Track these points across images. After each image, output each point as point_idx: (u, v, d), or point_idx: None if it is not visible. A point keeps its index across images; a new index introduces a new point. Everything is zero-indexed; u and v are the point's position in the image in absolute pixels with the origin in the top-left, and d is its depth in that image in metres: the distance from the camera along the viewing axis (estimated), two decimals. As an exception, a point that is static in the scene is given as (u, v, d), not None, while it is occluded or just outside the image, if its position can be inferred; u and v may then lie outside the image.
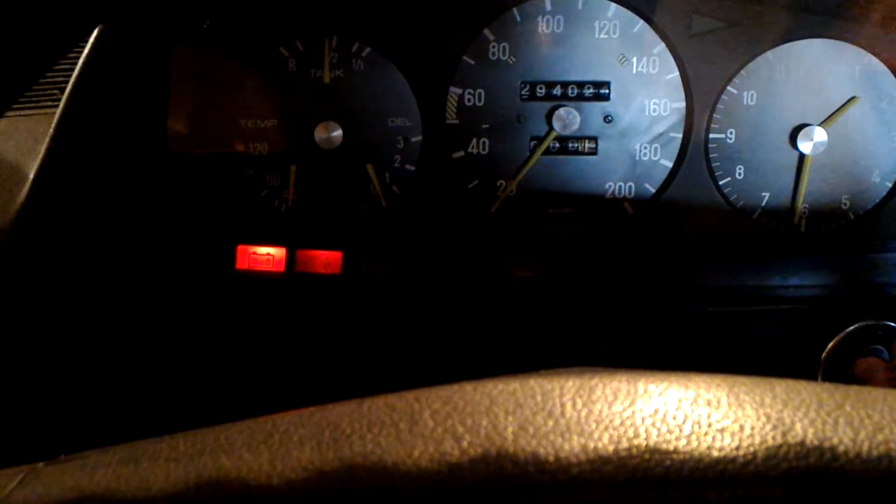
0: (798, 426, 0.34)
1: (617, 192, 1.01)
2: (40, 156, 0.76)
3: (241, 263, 0.99)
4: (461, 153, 1.01)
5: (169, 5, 0.95)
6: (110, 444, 0.41)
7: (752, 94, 0.98)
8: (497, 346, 0.97)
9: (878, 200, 1.00)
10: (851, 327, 0.93)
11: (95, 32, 0.81)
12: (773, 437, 0.33)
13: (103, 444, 0.41)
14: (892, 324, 0.92)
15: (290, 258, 0.98)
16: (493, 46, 0.98)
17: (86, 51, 0.82)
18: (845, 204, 1.00)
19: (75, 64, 0.82)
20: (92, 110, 0.83)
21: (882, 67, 0.97)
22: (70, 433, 0.81)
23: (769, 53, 0.97)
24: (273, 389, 0.97)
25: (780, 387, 0.37)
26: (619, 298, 0.98)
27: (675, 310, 0.96)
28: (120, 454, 0.39)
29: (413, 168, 1.02)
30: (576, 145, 1.00)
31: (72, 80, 0.80)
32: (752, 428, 0.34)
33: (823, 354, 0.92)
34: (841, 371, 0.92)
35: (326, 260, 0.98)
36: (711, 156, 1.00)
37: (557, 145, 1.00)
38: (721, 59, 0.97)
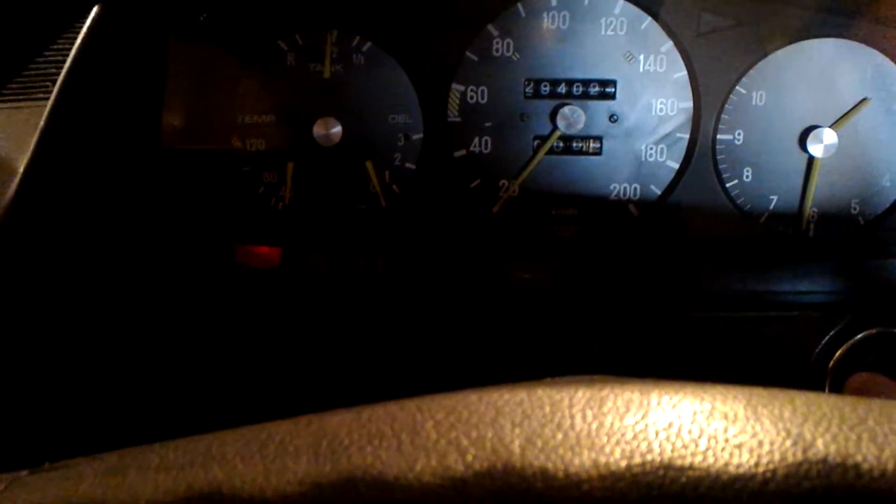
0: (819, 442, 0.32)
1: (622, 193, 1.00)
2: (30, 150, 0.75)
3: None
4: (463, 152, 0.99)
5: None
6: (99, 450, 0.39)
7: (762, 95, 0.96)
8: (498, 350, 0.96)
9: (888, 205, 0.99)
10: (860, 335, 0.91)
11: (88, 23, 0.80)
12: (794, 454, 0.32)
13: (91, 451, 0.40)
14: (902, 331, 0.91)
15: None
16: (497, 42, 0.97)
17: (78, 42, 0.81)
18: (855, 208, 0.99)
19: (67, 56, 0.80)
20: (84, 103, 0.81)
21: (895, 69, 0.95)
22: (57, 437, 0.80)
23: (779, 53, 0.95)
24: (268, 392, 0.96)
25: (800, 400, 0.36)
26: (624, 302, 0.96)
27: (679, 315, 0.95)
28: (107, 463, 0.38)
29: (413, 166, 1.00)
30: (580, 145, 0.98)
31: (63, 72, 0.78)
32: (772, 444, 0.32)
33: (831, 363, 0.91)
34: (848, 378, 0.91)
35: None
36: (719, 157, 0.98)
37: (561, 145, 0.98)
38: (730, 59, 0.96)
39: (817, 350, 0.92)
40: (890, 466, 0.31)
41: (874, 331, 0.91)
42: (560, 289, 0.97)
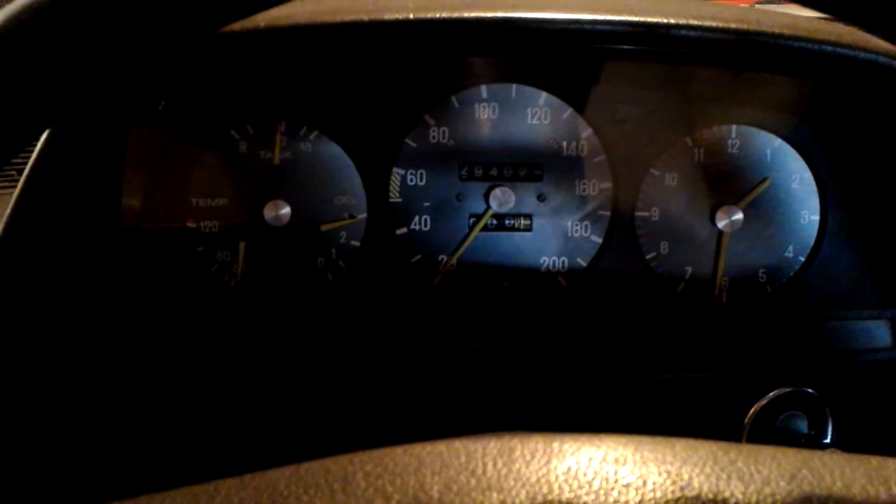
0: (695, 481, 0.37)
1: (551, 265, 1.06)
2: (-2, 236, 0.77)
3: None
4: (404, 230, 1.05)
5: (128, 88, 0.98)
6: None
7: (674, 176, 1.04)
8: (440, 413, 0.99)
9: (792, 274, 1.06)
10: (771, 393, 0.97)
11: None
12: (672, 492, 0.37)
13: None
14: (809, 390, 0.97)
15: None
16: (434, 130, 1.04)
17: (45, 133, 0.84)
18: (762, 277, 1.06)
19: (34, 145, 0.83)
20: (49, 190, 0.83)
21: (792, 151, 1.05)
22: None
23: (688, 138, 1.04)
24: (202, 450, 0.97)
25: (680, 445, 0.41)
26: (554, 366, 1.01)
27: (606, 377, 1.00)
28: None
29: (358, 244, 1.05)
30: (512, 222, 1.05)
31: (31, 161, 0.81)
32: (654, 483, 0.37)
33: (746, 419, 0.96)
34: (763, 434, 0.96)
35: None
36: (638, 232, 1.05)
37: (495, 222, 1.05)
38: (644, 144, 1.04)
39: (733, 408, 0.97)
40: (753, 501, 0.36)
41: (783, 390, 0.96)
42: (497, 355, 1.02)
